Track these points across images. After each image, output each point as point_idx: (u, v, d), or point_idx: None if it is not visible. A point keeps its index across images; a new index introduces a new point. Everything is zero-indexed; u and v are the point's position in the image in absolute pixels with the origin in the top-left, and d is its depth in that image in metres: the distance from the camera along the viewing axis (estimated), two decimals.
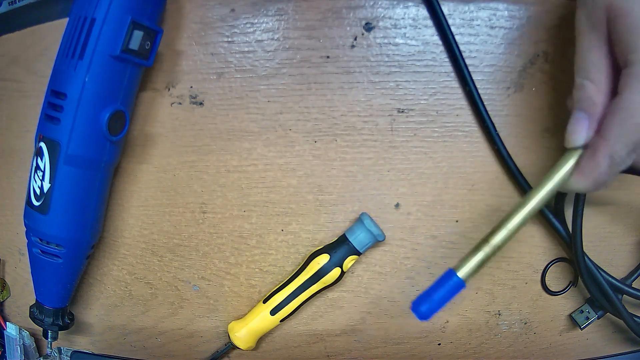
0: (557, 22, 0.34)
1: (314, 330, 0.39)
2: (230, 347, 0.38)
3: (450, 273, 0.29)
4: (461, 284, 0.29)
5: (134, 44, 0.30)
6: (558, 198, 0.35)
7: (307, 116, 0.36)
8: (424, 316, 0.28)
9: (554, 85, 0.35)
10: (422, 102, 0.35)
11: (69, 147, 0.30)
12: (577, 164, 0.28)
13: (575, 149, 0.28)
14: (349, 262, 0.35)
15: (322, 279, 0.35)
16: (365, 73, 0.35)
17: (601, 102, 0.27)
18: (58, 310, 0.35)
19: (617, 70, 0.26)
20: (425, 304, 0.28)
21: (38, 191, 0.31)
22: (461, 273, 0.29)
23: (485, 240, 0.29)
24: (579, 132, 0.28)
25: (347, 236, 0.35)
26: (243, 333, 0.37)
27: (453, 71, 0.35)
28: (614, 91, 0.27)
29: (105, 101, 0.30)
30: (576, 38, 0.28)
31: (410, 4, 0.34)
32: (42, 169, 0.31)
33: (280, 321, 0.36)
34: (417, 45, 0.34)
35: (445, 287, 0.28)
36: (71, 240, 0.33)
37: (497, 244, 0.29)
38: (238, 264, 0.38)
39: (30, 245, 0.33)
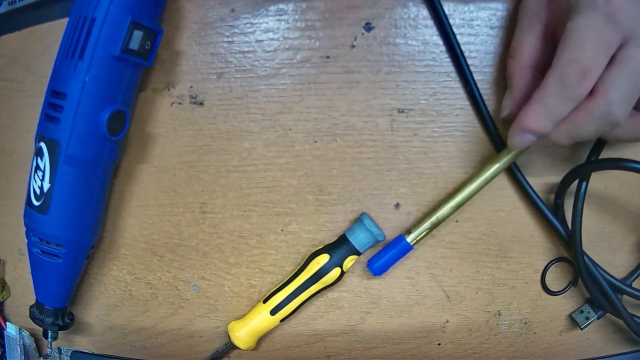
0: None
1: (314, 330, 0.39)
2: (230, 347, 0.38)
3: (400, 238, 0.35)
4: (408, 247, 0.35)
5: (134, 44, 0.30)
6: (558, 195, 0.35)
7: (307, 116, 0.36)
8: (376, 272, 0.35)
9: None
10: (422, 102, 0.35)
11: (69, 147, 0.30)
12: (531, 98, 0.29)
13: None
14: (349, 262, 0.35)
15: (322, 279, 0.35)
16: (365, 73, 0.35)
17: (521, 75, 0.31)
18: (58, 310, 0.35)
19: (552, 46, 0.29)
20: (379, 262, 0.35)
21: (38, 191, 0.31)
22: (409, 238, 0.35)
23: (433, 212, 0.35)
24: (504, 104, 0.32)
25: (347, 236, 0.35)
26: (243, 333, 0.37)
27: (453, 71, 0.35)
28: (542, 66, 0.30)
29: (105, 101, 0.30)
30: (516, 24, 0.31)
31: (410, 4, 0.34)
32: (42, 169, 0.31)
33: (280, 321, 0.36)
34: (417, 45, 0.34)
35: (396, 249, 0.35)
36: (71, 240, 0.33)
37: (442, 216, 0.34)
38: (238, 264, 0.38)
39: (30, 245, 0.33)
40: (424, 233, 0.35)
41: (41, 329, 0.36)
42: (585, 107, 0.27)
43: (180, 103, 0.36)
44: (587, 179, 0.33)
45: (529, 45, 0.30)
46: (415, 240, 0.35)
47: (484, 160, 0.36)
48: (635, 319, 0.35)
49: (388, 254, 0.35)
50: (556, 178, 0.36)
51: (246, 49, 0.35)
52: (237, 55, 0.35)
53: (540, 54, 0.30)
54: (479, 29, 0.34)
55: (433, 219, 0.34)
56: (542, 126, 0.28)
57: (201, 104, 0.36)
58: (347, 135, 0.36)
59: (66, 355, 0.39)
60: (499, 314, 0.39)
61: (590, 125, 0.27)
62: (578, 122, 0.27)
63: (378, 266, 0.35)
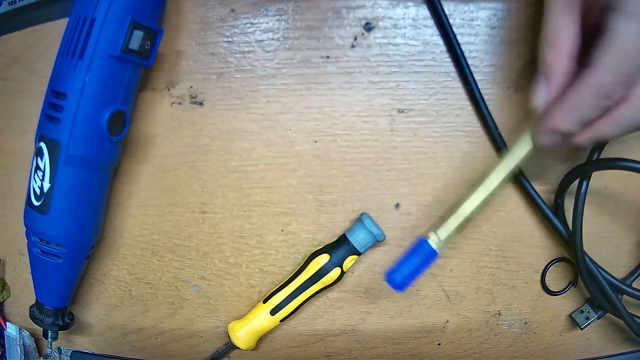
0: None
1: (314, 330, 0.39)
2: (230, 347, 0.38)
3: (423, 243, 0.28)
4: (434, 254, 0.28)
5: (134, 44, 0.30)
6: (558, 195, 0.35)
7: (307, 116, 0.36)
8: (400, 286, 0.28)
9: None
10: (422, 102, 0.35)
11: (69, 147, 0.30)
12: (561, 97, 0.27)
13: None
14: (349, 262, 0.35)
15: (322, 279, 0.35)
16: (365, 73, 0.35)
17: (561, 67, 0.28)
18: (58, 310, 0.35)
19: (587, 35, 0.27)
20: (402, 275, 0.29)
21: (38, 191, 0.31)
22: (433, 243, 0.29)
23: (456, 209, 0.29)
24: (539, 95, 0.29)
25: (347, 236, 0.35)
26: (243, 333, 0.37)
27: (453, 71, 0.35)
28: (581, 55, 0.28)
29: (105, 101, 0.30)
30: (545, 8, 0.28)
31: (410, 4, 0.34)
32: (42, 169, 0.31)
33: (280, 321, 0.36)
34: (417, 45, 0.34)
35: (419, 257, 0.28)
36: (71, 240, 0.33)
37: (471, 215, 0.29)
38: (238, 264, 0.38)
39: (30, 245, 0.33)
40: (450, 235, 0.30)
41: (41, 329, 0.36)
42: (613, 114, 0.26)
43: (180, 103, 0.36)
44: (588, 179, 0.33)
45: (568, 33, 0.28)
46: (440, 246, 0.29)
47: (485, 159, 0.36)
48: (635, 319, 0.35)
49: (412, 265, 0.29)
50: (556, 178, 0.36)
51: (246, 49, 0.35)
52: (237, 55, 0.35)
53: (578, 41, 0.28)
54: (479, 29, 0.34)
55: (462, 220, 0.29)
56: (571, 128, 0.27)
57: (201, 104, 0.36)
58: (347, 135, 0.36)
59: (66, 355, 0.39)
60: (499, 314, 0.39)
61: (616, 130, 0.27)
62: (604, 127, 0.27)
63: (402, 280, 0.28)
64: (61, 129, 0.30)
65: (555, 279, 0.39)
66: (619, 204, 0.37)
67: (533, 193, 0.35)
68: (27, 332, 0.40)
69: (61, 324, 0.35)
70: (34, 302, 0.35)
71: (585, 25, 0.27)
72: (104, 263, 0.39)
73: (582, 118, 0.27)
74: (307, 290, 0.36)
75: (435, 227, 0.31)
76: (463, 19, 0.34)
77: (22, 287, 0.40)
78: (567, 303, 0.39)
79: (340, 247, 0.35)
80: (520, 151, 0.30)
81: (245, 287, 0.38)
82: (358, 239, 0.35)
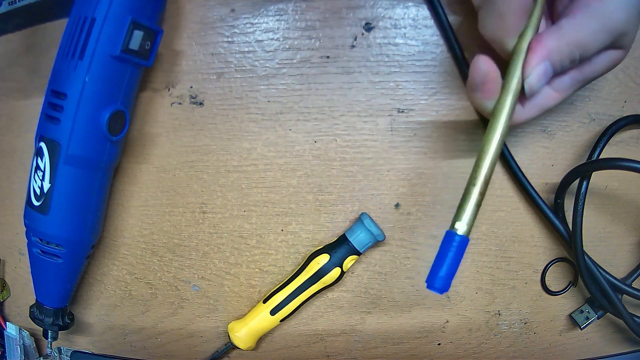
0: None
1: (314, 330, 0.39)
2: (230, 347, 0.38)
3: (450, 234, 0.26)
4: (465, 240, 0.26)
5: (134, 44, 0.30)
6: (558, 195, 0.35)
7: (307, 116, 0.36)
8: (443, 290, 0.26)
9: None
10: (422, 102, 0.35)
11: (69, 147, 0.30)
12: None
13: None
14: (349, 262, 0.35)
15: (322, 279, 0.35)
16: (365, 73, 0.35)
17: None
18: (58, 310, 0.35)
19: None
20: (440, 276, 0.26)
21: (38, 191, 0.31)
22: (460, 229, 0.26)
23: (471, 182, 0.27)
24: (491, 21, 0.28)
25: (347, 236, 0.35)
26: (243, 333, 0.37)
27: (453, 71, 0.35)
28: None
29: (105, 101, 0.30)
30: None
31: (410, 4, 0.34)
32: (42, 169, 0.31)
33: (280, 321, 0.36)
34: (417, 45, 0.34)
35: (452, 250, 0.26)
36: (71, 240, 0.33)
37: (484, 179, 0.26)
38: (238, 264, 0.38)
39: (30, 245, 0.33)
40: (472, 215, 0.26)
41: (41, 329, 0.36)
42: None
43: (180, 103, 0.36)
44: (588, 179, 0.33)
45: None
46: (467, 229, 0.26)
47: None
48: (636, 319, 0.35)
49: (448, 262, 0.26)
50: (556, 178, 0.36)
51: (246, 49, 0.35)
52: (237, 55, 0.35)
53: None
54: None
55: (475, 192, 0.26)
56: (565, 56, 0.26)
57: (201, 104, 0.36)
58: (347, 135, 0.36)
59: (66, 355, 0.39)
60: (499, 314, 0.39)
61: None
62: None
63: (442, 283, 0.26)
64: (61, 129, 0.30)
65: (555, 279, 0.39)
66: (619, 204, 0.37)
67: (533, 193, 0.35)
68: (27, 332, 0.40)
69: (61, 324, 0.35)
70: (34, 302, 0.36)
71: None
72: (104, 263, 0.39)
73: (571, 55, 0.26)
74: (307, 290, 0.36)
75: (457, 213, 0.27)
76: (463, 19, 0.34)
77: (22, 287, 0.40)
78: (567, 303, 0.39)
79: (340, 247, 0.35)
80: (510, 93, 0.27)
81: (245, 287, 0.38)
82: (358, 239, 0.35)
